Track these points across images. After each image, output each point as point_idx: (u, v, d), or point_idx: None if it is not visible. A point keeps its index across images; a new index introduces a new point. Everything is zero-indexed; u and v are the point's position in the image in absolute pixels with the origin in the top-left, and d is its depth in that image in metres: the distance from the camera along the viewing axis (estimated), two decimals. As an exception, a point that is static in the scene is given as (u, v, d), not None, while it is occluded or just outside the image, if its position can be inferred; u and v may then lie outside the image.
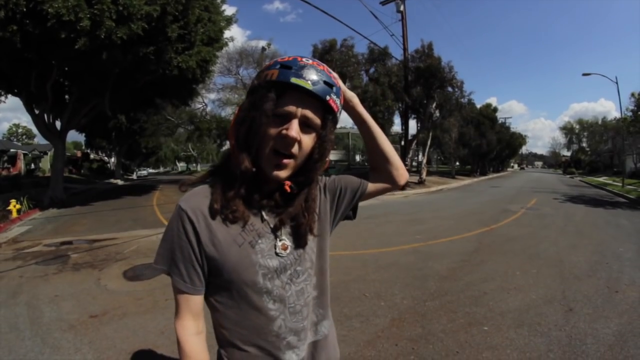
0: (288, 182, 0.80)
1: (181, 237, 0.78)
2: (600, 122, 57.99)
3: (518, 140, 50.15)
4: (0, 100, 14.07)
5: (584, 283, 4.20)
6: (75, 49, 9.45)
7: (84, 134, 32.14)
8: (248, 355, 0.83)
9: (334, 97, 0.75)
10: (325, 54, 17.86)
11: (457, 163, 40.39)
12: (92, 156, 43.46)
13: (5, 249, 6.42)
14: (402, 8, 18.25)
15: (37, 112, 13.37)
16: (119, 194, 17.12)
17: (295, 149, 0.74)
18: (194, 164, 62.27)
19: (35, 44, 9.70)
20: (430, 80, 18.23)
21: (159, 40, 10.88)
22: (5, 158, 28.98)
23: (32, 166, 32.43)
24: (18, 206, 9.62)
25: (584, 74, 22.44)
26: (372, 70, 18.22)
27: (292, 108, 0.72)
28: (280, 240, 0.83)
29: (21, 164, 29.08)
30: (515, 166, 79.06)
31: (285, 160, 0.75)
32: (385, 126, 17.90)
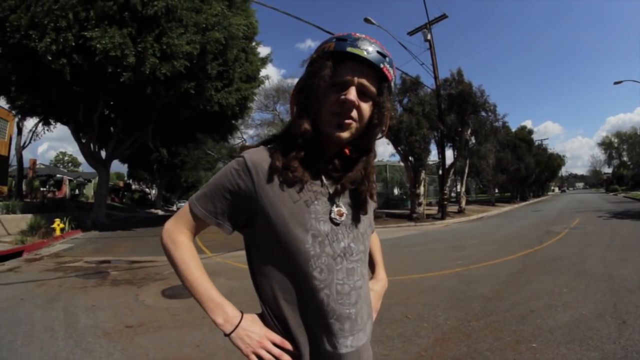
0: (347, 147, 0.83)
1: (230, 180, 0.80)
2: (639, 132, 54.28)
3: (556, 161, 47.57)
4: (49, 128, 15.27)
5: (636, 295, 4.01)
6: (121, 82, 10.21)
7: (126, 165, 33.87)
8: (292, 316, 0.81)
9: (388, 66, 0.78)
10: (360, 86, 18.05)
11: (497, 190, 39.01)
12: (133, 187, 45.48)
13: (47, 262, 6.76)
14: (429, 37, 18.34)
15: (83, 141, 14.37)
16: (160, 222, 17.62)
17: (354, 114, 0.77)
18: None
19: (84, 77, 10.56)
20: (463, 106, 17.96)
21: (200, 77, 11.60)
22: (52, 182, 30.82)
23: (77, 192, 34.12)
24: (62, 225, 10.16)
25: (616, 83, 21.62)
26: (405, 100, 18.20)
27: (349, 76, 0.76)
28: (336, 207, 0.82)
29: (66, 189, 30.58)
30: (556, 189, 74.64)
31: (347, 121, 0.77)
32: (422, 155, 17.62)
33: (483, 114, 18.98)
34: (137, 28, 10.36)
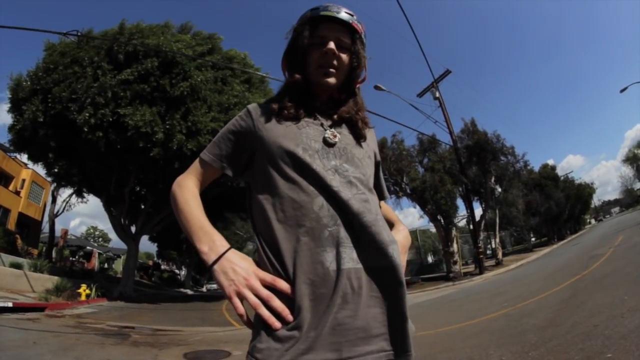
0: (336, 92, 0.95)
1: (234, 123, 0.92)
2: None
3: (586, 190, 45.08)
4: (82, 200, 15.97)
5: None
6: (151, 157, 10.88)
7: (156, 244, 34.28)
8: (285, 237, 0.76)
9: (356, 21, 0.92)
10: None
11: (532, 236, 37.22)
12: (163, 267, 45.53)
13: (69, 320, 6.64)
14: (437, 95, 18.77)
15: (114, 213, 14.89)
16: (189, 300, 17.40)
17: (336, 63, 0.89)
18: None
19: (117, 150, 11.32)
20: (482, 155, 18.01)
21: (225, 154, 12.30)
22: (81, 253, 31.07)
23: (105, 265, 34.19)
24: (87, 291, 10.03)
25: (622, 91, 20.43)
26: (425, 160, 18.44)
27: (326, 33, 0.89)
28: (330, 131, 0.88)
29: (95, 262, 30.74)
30: (592, 221, 69.94)
31: (331, 69, 0.89)
32: (450, 212, 17.33)
33: (503, 158, 18.89)
34: (165, 107, 11.38)
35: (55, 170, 13.63)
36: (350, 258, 0.73)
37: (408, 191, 17.72)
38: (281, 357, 0.66)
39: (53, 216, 21.41)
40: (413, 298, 11.43)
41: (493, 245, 25.49)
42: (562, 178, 39.19)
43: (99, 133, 10.57)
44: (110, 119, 10.49)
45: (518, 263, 18.64)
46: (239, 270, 0.72)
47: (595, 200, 67.53)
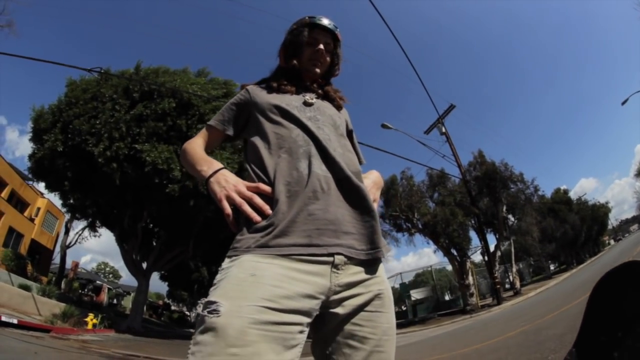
0: (319, 79, 1.22)
1: (236, 98, 1.14)
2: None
3: (601, 210, 43.48)
4: (95, 234, 16.06)
5: None
6: (166, 193, 11.09)
7: (166, 283, 33.79)
8: (269, 156, 0.94)
9: (338, 32, 1.21)
10: (389, 189, 18.51)
11: (551, 263, 36.00)
12: (173, 307, 44.69)
13: (73, 343, 6.51)
14: (444, 130, 18.86)
15: (126, 248, 14.96)
16: None
17: (322, 59, 1.18)
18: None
19: (132, 185, 11.58)
20: (491, 185, 17.96)
21: (238, 193, 12.62)
22: (91, 287, 30.64)
23: (115, 301, 33.69)
24: (95, 321, 9.88)
25: (623, 103, 19.63)
26: (435, 195, 18.55)
27: (318, 36, 1.18)
28: (308, 95, 1.12)
29: (104, 296, 30.34)
30: (612, 242, 67.21)
31: (319, 62, 1.17)
32: (463, 244, 17.41)
33: (513, 186, 18.77)
34: (181, 146, 11.69)
35: (71, 201, 14.03)
36: (320, 167, 0.91)
37: (420, 226, 17.70)
38: (257, 242, 0.80)
39: (65, 247, 21.72)
40: (429, 332, 11.17)
41: (511, 279, 24.69)
42: (575, 201, 38.42)
43: (114, 165, 10.91)
44: (126, 152, 10.86)
45: (537, 290, 17.99)
46: (229, 179, 0.91)
47: (613, 221, 65.31)
